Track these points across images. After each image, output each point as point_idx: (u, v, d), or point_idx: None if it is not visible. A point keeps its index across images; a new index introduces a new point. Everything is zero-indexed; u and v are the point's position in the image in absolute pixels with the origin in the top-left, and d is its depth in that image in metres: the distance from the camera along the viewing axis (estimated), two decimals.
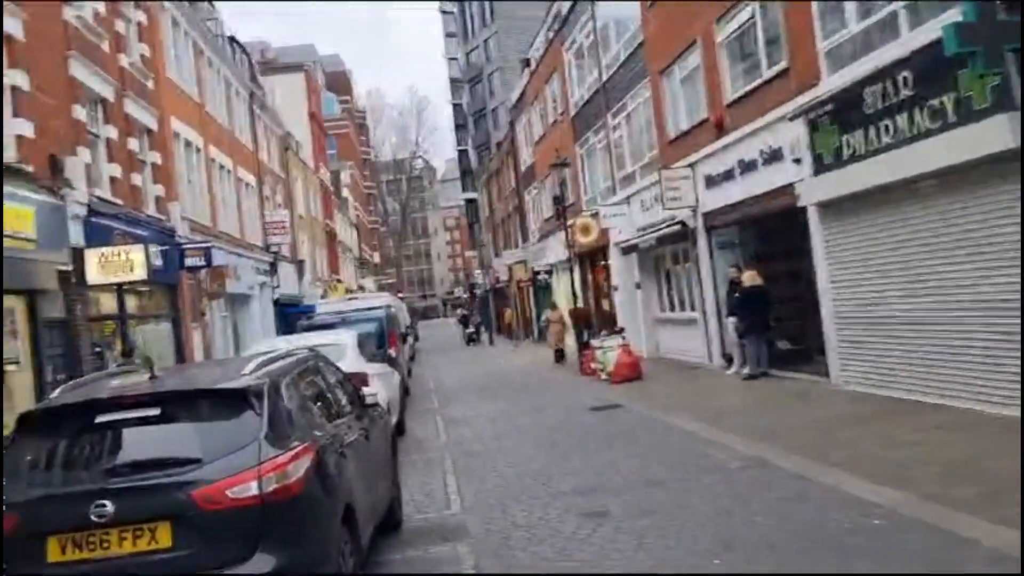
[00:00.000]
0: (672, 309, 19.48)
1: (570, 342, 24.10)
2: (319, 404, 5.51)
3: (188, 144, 21.22)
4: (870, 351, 10.98)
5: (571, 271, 22.34)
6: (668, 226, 17.20)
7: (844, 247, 11.30)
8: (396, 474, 7.58)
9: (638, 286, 20.91)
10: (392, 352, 16.11)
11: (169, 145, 19.37)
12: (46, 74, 13.29)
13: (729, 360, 15.82)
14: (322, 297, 35.87)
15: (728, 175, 14.60)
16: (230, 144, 25.96)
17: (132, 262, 13.66)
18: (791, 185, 12.28)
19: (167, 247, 18.05)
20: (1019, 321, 7.96)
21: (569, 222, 22.66)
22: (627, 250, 20.47)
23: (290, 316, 26.04)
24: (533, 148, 33.01)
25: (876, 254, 10.52)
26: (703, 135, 15.68)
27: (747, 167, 13.80)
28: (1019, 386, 7.95)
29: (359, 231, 70.57)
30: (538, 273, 32.00)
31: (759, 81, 13.13)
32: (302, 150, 44.49)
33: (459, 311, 44.50)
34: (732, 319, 14.71)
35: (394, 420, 11.67)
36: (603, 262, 24.95)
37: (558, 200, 21.02)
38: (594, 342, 18.11)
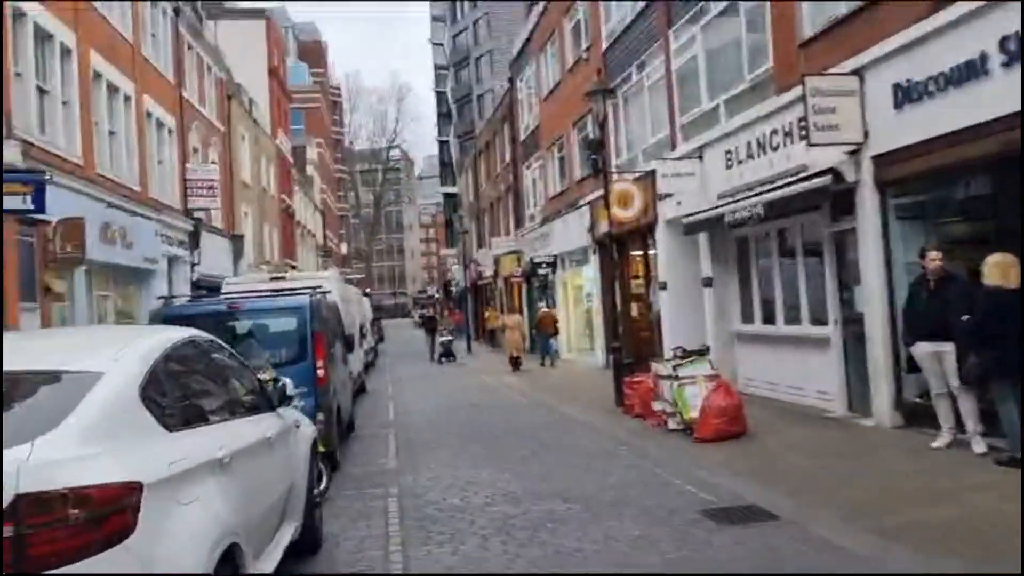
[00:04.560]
0: (770, 320, 12.62)
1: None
2: None
3: (39, 31, 14.00)
4: None
5: (608, 258, 15.36)
6: (797, 181, 10.33)
7: None
8: None
9: (708, 283, 14.02)
10: (319, 368, 9.07)
11: None
12: None
13: (909, 414, 9.03)
14: (258, 275, 28.37)
15: (958, 76, 7.77)
16: (132, 61, 18.73)
17: None
18: None
19: None
20: None
21: (595, 195, 15.82)
22: (694, 228, 13.58)
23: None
24: (540, 108, 26.04)
25: None
26: (887, 17, 8.86)
27: None
28: None
29: (325, 217, 63.19)
30: (538, 265, 25.03)
31: None
32: (256, 109, 37.20)
33: (422, 311, 34.40)
34: (925, 347, 7.91)
35: (269, 567, 4.66)
36: (640, 251, 18.06)
37: (595, 147, 14.03)
38: (658, 367, 11.16)
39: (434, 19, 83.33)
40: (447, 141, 77.23)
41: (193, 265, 22.62)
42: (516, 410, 14.32)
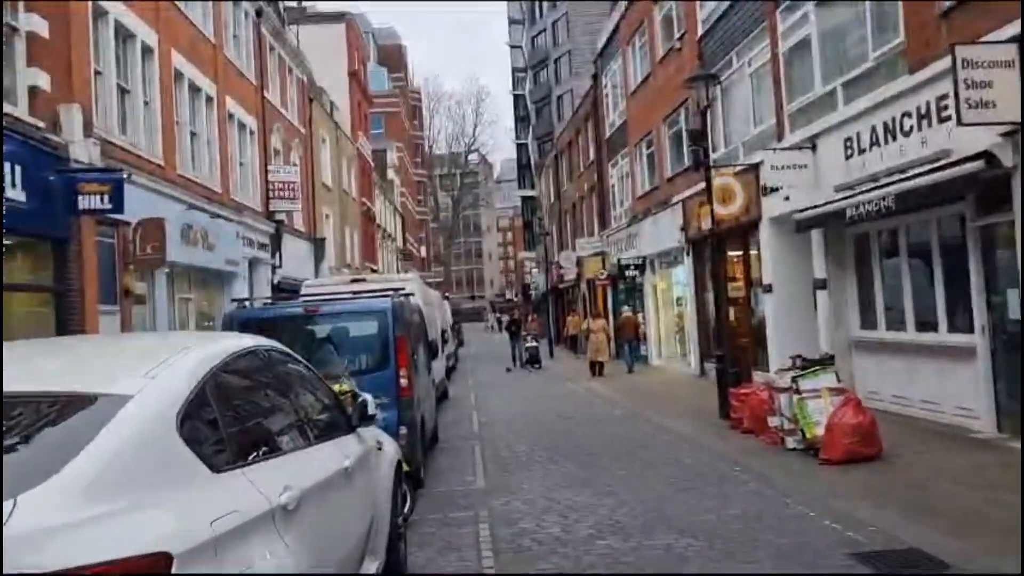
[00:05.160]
0: (896, 327, 11.30)
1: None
2: None
3: (120, 30, 13.76)
4: None
5: (705, 258, 14.27)
6: (938, 169, 9.07)
7: None
8: None
9: (821, 286, 12.77)
10: (402, 377, 8.32)
11: (68, 14, 11.89)
12: None
13: None
14: (338, 277, 28.16)
15: None
16: (214, 61, 18.52)
17: None
18: None
19: (54, 176, 10.92)
20: None
21: (689, 192, 14.71)
22: (806, 224, 12.36)
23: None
24: (626, 103, 24.98)
25: None
26: None
27: None
28: None
29: (405, 220, 63.29)
30: (625, 267, 23.95)
31: None
32: (337, 112, 37.18)
33: (500, 315, 34.12)
34: None
35: None
36: (740, 251, 16.82)
37: (696, 138, 13.00)
38: (773, 377, 10.04)
39: (511, 22, 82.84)
40: (525, 144, 76.67)
41: (274, 267, 22.39)
42: (610, 422, 13.33)
